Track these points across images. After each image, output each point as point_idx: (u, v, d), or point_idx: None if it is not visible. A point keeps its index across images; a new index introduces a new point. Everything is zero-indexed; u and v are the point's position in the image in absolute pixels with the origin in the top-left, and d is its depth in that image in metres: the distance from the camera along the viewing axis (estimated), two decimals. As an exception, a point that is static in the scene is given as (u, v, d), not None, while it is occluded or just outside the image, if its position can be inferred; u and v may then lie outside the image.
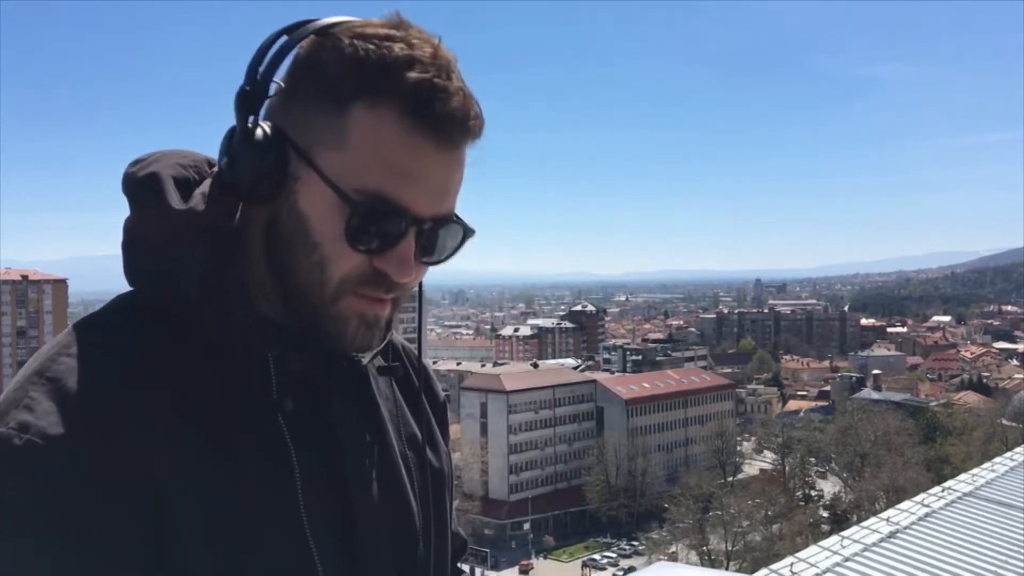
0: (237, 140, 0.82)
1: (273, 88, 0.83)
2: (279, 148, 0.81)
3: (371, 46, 0.80)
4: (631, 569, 48.68)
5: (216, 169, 0.88)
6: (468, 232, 0.88)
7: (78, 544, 0.73)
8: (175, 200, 0.86)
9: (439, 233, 0.85)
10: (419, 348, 1.11)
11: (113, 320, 0.86)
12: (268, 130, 0.81)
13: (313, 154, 0.80)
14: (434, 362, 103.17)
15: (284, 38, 0.84)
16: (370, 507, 0.91)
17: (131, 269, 0.88)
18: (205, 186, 0.89)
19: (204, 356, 0.84)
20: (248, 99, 0.82)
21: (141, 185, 0.87)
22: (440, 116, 0.80)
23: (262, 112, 0.83)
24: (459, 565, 1.18)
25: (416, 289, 0.93)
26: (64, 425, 0.74)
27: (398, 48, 0.80)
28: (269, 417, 0.85)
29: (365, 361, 0.96)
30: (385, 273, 0.83)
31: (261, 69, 0.83)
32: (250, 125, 0.82)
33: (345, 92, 0.80)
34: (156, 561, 0.76)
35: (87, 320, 0.87)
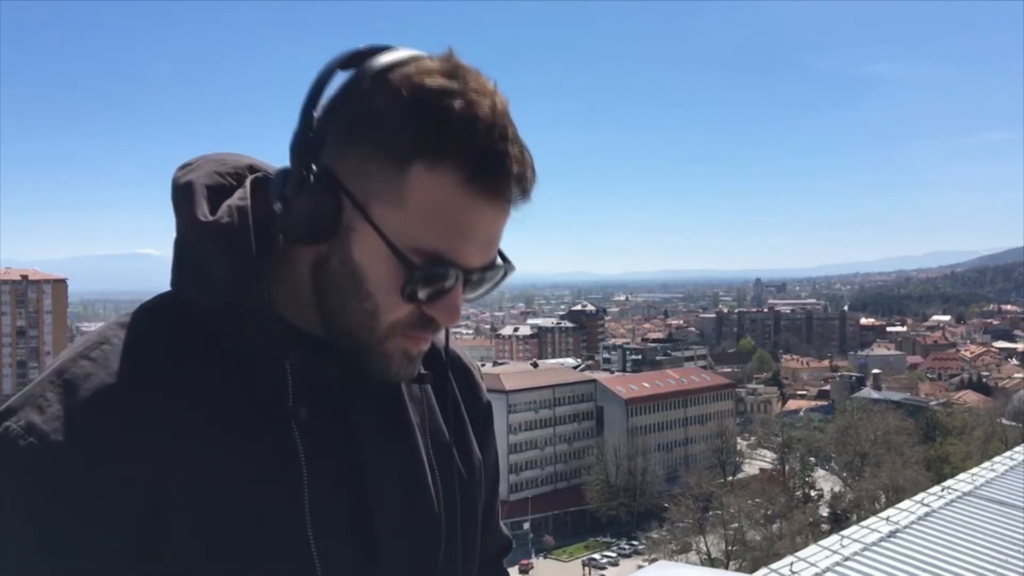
0: (292, 186, 0.83)
1: (329, 133, 0.83)
2: (335, 197, 0.82)
3: (430, 101, 0.79)
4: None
5: (254, 179, 0.92)
6: (509, 270, 0.89)
7: (62, 546, 0.77)
8: (202, 211, 0.88)
9: (485, 276, 0.87)
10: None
11: (145, 321, 0.89)
12: (324, 179, 0.82)
13: (369, 208, 0.81)
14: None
15: (339, 73, 0.83)
16: (391, 516, 0.92)
17: (173, 269, 0.90)
18: (236, 198, 0.89)
19: (226, 361, 0.86)
20: (304, 144, 0.83)
21: (179, 193, 0.90)
22: (499, 181, 0.81)
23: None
24: (502, 563, 1.20)
25: None
26: (66, 432, 0.78)
27: (458, 105, 0.79)
28: (283, 424, 0.86)
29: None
30: (433, 318, 0.86)
31: (318, 114, 0.83)
32: (304, 172, 0.82)
33: (404, 149, 0.79)
34: (149, 562, 0.79)
35: (133, 315, 0.90)
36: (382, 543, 0.90)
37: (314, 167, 0.82)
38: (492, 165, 0.80)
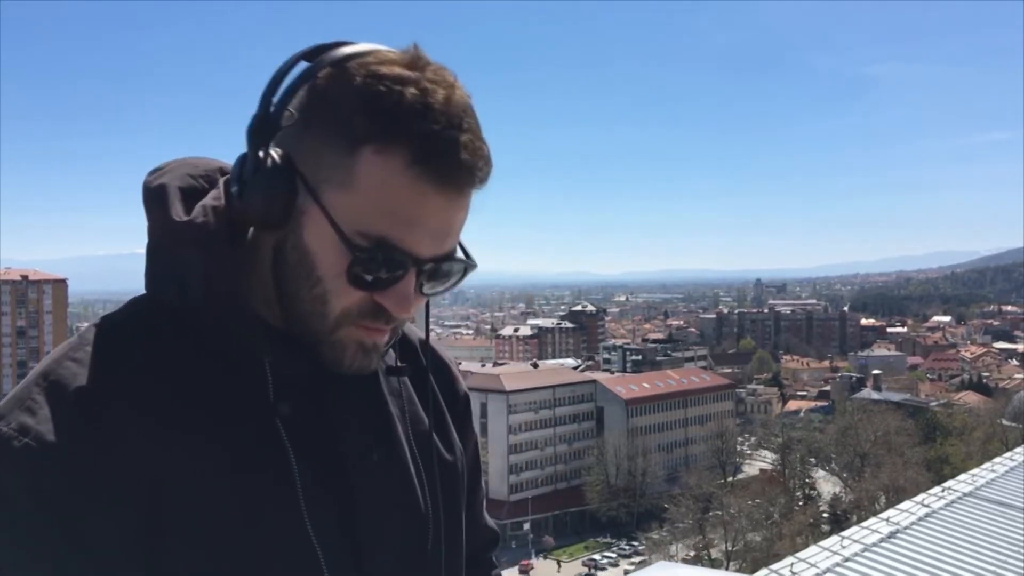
0: (249, 169, 0.84)
1: (286, 118, 0.84)
2: (290, 179, 0.82)
3: (383, 88, 0.80)
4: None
5: (226, 180, 0.91)
6: (469, 266, 0.90)
7: (67, 543, 0.78)
8: (177, 212, 0.89)
9: (440, 268, 0.86)
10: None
11: (125, 322, 0.90)
12: (279, 160, 0.83)
13: (320, 191, 0.82)
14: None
15: (302, 64, 0.85)
16: (374, 505, 0.93)
17: (146, 272, 0.91)
18: (210, 198, 0.90)
19: (205, 360, 0.87)
20: (262, 128, 0.84)
21: (151, 195, 0.91)
22: (447, 167, 0.80)
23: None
24: (492, 557, 1.25)
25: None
26: (59, 432, 0.78)
27: (410, 93, 0.80)
28: (267, 420, 0.87)
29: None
30: (385, 308, 0.85)
31: (275, 99, 0.84)
32: (261, 155, 0.83)
33: (355, 133, 0.80)
34: (147, 562, 0.80)
35: (101, 321, 0.90)
36: (367, 537, 0.91)
37: (271, 150, 0.83)
38: (440, 150, 0.79)
